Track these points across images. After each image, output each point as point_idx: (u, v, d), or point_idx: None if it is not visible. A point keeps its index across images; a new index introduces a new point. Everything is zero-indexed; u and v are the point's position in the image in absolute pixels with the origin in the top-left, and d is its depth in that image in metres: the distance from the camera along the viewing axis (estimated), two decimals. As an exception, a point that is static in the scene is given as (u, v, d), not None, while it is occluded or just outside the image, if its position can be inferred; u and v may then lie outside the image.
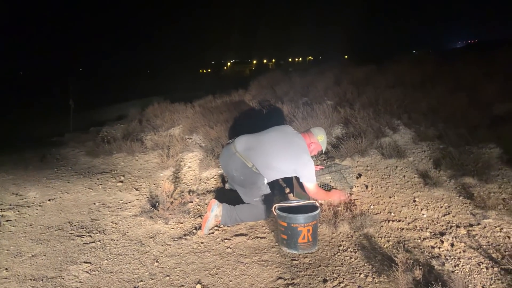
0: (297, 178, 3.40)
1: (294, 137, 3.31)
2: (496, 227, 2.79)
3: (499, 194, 3.28)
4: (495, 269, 2.32)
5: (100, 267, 2.73)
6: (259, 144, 3.26)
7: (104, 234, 3.25)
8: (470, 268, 2.37)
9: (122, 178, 4.52)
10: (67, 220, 3.55)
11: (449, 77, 6.47)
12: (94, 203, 3.90)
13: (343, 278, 2.42)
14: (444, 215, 3.07)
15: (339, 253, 2.71)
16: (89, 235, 3.23)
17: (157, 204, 3.52)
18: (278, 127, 3.47)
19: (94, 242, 3.11)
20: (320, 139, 3.40)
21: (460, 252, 2.54)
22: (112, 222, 3.46)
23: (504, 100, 5.19)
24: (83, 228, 3.37)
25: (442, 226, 2.92)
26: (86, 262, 2.80)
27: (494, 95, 5.28)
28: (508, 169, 3.64)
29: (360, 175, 3.94)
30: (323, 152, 3.63)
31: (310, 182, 3.16)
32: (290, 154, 3.20)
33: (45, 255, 2.93)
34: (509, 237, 2.64)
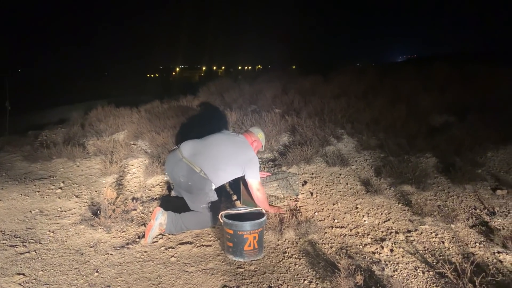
0: (244, 185, 3.41)
1: (237, 137, 3.41)
2: (431, 233, 2.94)
3: (434, 201, 3.47)
4: (431, 273, 2.44)
5: (34, 279, 2.57)
6: (205, 148, 3.27)
7: (40, 243, 3.07)
8: (408, 272, 2.47)
9: (62, 184, 4.30)
10: (-1, 229, 3.32)
11: (390, 88, 6.79)
12: (30, 211, 3.68)
13: (288, 285, 2.44)
14: (384, 222, 3.19)
15: (284, 260, 2.73)
16: (23, 245, 3.03)
17: (98, 212, 3.37)
18: (220, 131, 3.56)
19: (28, 252, 2.93)
20: (260, 136, 3.53)
21: (399, 257, 2.65)
22: (49, 231, 3.28)
23: (440, 111, 5.53)
24: (17, 238, 3.16)
25: (382, 232, 3.03)
26: (19, 274, 2.62)
27: (430, 107, 5.61)
28: (443, 178, 3.86)
29: (305, 182, 4.01)
30: (263, 149, 3.71)
31: (254, 179, 3.22)
32: (236, 152, 3.26)
33: (-28, 267, 2.72)
34: (443, 242, 2.79)
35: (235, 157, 3.24)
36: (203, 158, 3.20)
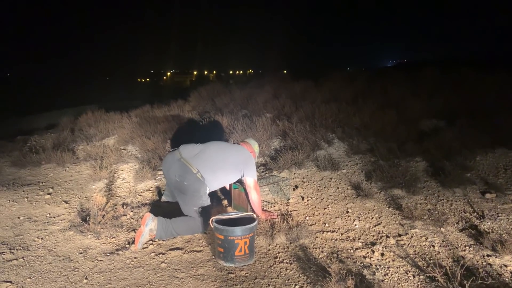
0: (235, 190, 3.41)
1: (235, 145, 3.56)
2: (422, 236, 2.95)
3: (424, 205, 3.49)
4: (421, 277, 2.45)
5: (22, 286, 2.53)
6: (204, 151, 3.32)
7: (28, 250, 3.03)
8: (398, 276, 2.48)
9: (51, 190, 4.25)
10: (-14, 236, 3.26)
11: (379, 93, 6.84)
12: (19, 217, 3.62)
13: (279, 290, 2.43)
14: (375, 226, 3.20)
15: (275, 265, 2.72)
16: (11, 252, 2.98)
17: (88, 217, 3.33)
18: (218, 140, 3.65)
19: (16, 259, 2.88)
20: (256, 149, 3.62)
21: (389, 261, 2.65)
22: (37, 237, 3.23)
23: (429, 116, 5.57)
24: (4, 244, 3.11)
25: (373, 236, 3.04)
26: (7, 281, 2.58)
27: (420, 112, 5.65)
28: (433, 182, 3.89)
29: (296, 186, 4.01)
30: (255, 160, 3.76)
31: (251, 177, 3.30)
32: (235, 154, 3.36)
33: (-42, 275, 2.66)
34: (433, 246, 2.80)
35: (234, 157, 3.33)
36: (202, 160, 3.23)
